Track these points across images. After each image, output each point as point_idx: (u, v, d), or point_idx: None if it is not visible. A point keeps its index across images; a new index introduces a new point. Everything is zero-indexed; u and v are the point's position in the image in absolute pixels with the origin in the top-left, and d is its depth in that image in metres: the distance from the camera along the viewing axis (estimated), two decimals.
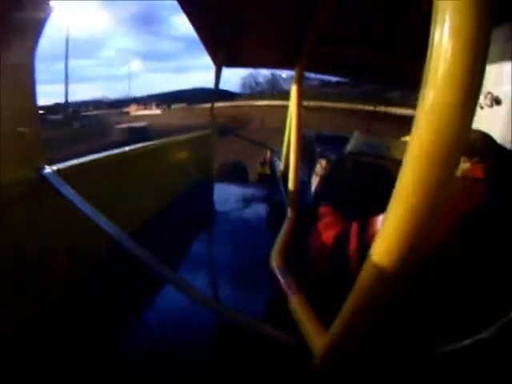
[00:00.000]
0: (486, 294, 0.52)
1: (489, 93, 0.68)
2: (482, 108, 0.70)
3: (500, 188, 0.52)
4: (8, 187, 0.73)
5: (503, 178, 0.53)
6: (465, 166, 0.57)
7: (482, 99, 0.69)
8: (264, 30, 1.68)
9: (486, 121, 0.68)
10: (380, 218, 0.65)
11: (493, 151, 0.58)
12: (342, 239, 0.73)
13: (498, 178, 0.54)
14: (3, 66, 0.68)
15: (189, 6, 1.36)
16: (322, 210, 0.96)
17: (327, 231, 0.83)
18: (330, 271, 0.78)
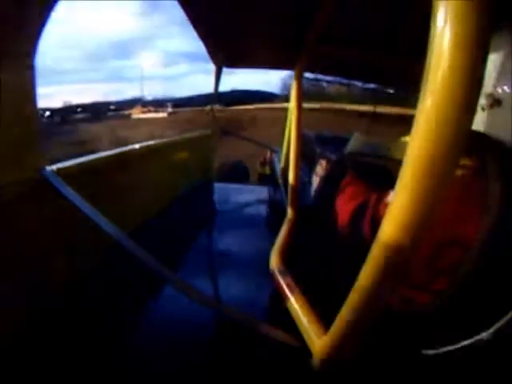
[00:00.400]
0: (486, 294, 0.52)
1: (489, 94, 0.67)
2: (483, 110, 0.69)
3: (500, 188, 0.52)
4: (8, 187, 0.73)
5: (503, 179, 0.53)
6: (470, 164, 0.57)
7: (482, 100, 0.68)
8: (264, 30, 1.68)
9: (487, 122, 0.67)
10: (392, 193, 0.64)
11: (493, 151, 0.57)
12: (360, 210, 0.72)
13: (498, 178, 0.53)
14: (3, 65, 0.68)
15: (189, 6, 1.36)
16: (348, 179, 0.95)
17: (350, 202, 0.81)
18: (348, 241, 0.76)
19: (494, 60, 0.65)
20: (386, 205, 0.59)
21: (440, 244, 0.54)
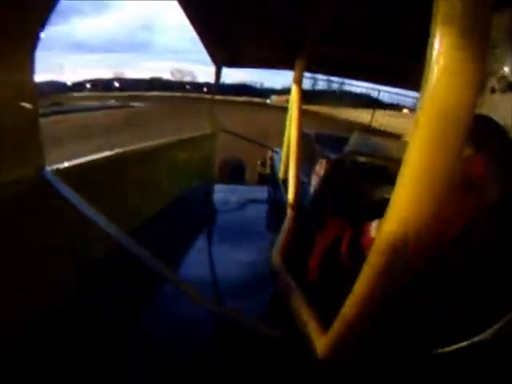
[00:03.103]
0: (485, 296, 0.52)
1: (503, 77, 0.65)
2: (493, 92, 0.66)
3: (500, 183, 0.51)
4: (8, 187, 0.72)
5: (503, 169, 0.51)
6: (465, 153, 0.55)
7: (494, 82, 0.66)
8: (264, 29, 1.68)
9: (497, 106, 0.65)
10: (374, 225, 0.64)
11: (495, 138, 0.56)
12: (335, 243, 0.73)
13: (498, 170, 0.52)
14: (2, 63, 0.68)
15: (189, 5, 1.36)
16: (331, 221, 0.94)
17: (327, 234, 0.82)
18: (324, 272, 0.77)
19: (508, 42, 0.62)
20: (370, 237, 0.59)
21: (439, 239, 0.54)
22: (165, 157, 1.89)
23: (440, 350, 0.52)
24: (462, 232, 0.54)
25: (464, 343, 0.49)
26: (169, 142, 2.01)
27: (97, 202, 0.84)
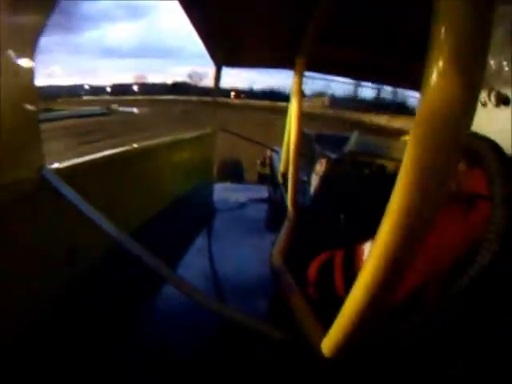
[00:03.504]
0: (486, 297, 0.52)
1: (495, 90, 0.64)
2: (485, 105, 0.66)
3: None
4: (7, 187, 0.72)
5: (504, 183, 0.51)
6: (461, 168, 0.55)
7: (485, 96, 0.66)
8: (264, 29, 1.68)
9: (490, 120, 0.65)
10: (367, 246, 0.64)
11: (493, 155, 0.56)
12: (325, 269, 0.73)
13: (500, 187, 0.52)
14: (3, 64, 0.68)
15: (189, 5, 1.36)
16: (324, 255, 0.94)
17: (316, 261, 0.82)
18: (318, 297, 0.78)
19: (505, 55, 0.62)
20: (361, 259, 0.59)
21: (436, 248, 0.54)
22: (165, 156, 1.89)
23: (440, 351, 0.52)
24: (462, 239, 0.54)
25: (464, 344, 0.50)
26: (168, 141, 2.01)
27: (97, 202, 0.84)
